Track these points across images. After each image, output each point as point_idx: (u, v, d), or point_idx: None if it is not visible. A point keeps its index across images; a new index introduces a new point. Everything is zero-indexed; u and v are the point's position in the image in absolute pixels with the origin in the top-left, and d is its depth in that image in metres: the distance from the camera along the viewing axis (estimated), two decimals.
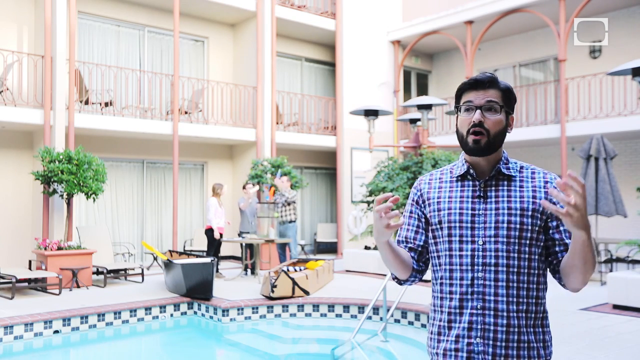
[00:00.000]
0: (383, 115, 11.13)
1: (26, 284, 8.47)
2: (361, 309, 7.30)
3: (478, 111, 1.85)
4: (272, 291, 7.50)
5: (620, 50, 12.29)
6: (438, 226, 1.93)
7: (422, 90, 16.53)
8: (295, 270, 8.60)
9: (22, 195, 10.82)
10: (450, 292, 1.88)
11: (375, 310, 7.14)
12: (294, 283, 7.63)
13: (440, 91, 16.30)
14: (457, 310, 1.86)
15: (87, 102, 10.92)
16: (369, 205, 11.36)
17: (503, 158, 1.91)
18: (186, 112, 12.09)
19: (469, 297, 1.83)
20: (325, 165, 15.46)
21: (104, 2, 11.86)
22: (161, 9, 12.51)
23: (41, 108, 10.07)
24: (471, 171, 1.91)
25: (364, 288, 8.56)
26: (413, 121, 11.43)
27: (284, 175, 11.15)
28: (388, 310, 6.76)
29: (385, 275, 9.29)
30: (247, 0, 12.83)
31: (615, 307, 7.23)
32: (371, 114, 10.34)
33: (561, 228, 1.85)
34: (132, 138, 11.95)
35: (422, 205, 2.01)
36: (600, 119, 11.70)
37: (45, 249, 8.80)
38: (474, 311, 1.83)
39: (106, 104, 11.06)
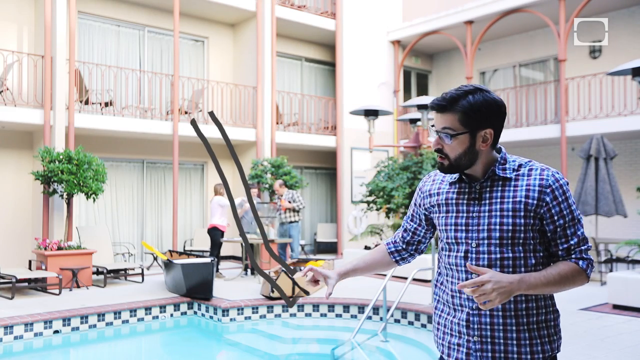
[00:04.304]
0: (383, 115, 11.13)
1: (26, 284, 8.46)
2: (361, 309, 7.30)
3: (437, 137, 1.90)
4: (272, 291, 7.50)
5: (620, 50, 12.29)
6: (440, 228, 2.00)
7: (422, 90, 16.53)
8: (296, 270, 8.60)
9: (22, 195, 10.82)
10: (451, 290, 1.94)
11: (375, 310, 7.14)
12: (294, 283, 7.62)
13: (440, 91, 16.29)
14: (459, 308, 1.92)
15: (87, 102, 10.92)
16: (369, 205, 11.35)
17: (499, 159, 1.91)
18: (186, 112, 12.09)
19: (465, 296, 1.88)
20: (325, 165, 15.46)
21: (104, 2, 11.86)
22: (161, 9, 12.51)
23: (41, 108, 10.07)
24: (463, 176, 1.94)
25: (364, 288, 8.55)
26: (413, 121, 11.43)
27: (278, 179, 11.15)
28: (388, 310, 6.76)
29: (385, 275, 9.29)
30: (247, 0, 12.83)
31: (615, 307, 7.23)
32: (371, 114, 10.34)
33: (559, 232, 1.87)
34: (132, 138, 11.95)
35: (424, 207, 2.08)
36: (600, 119, 11.69)
37: (45, 249, 8.80)
38: (471, 311, 1.88)
39: (106, 104, 11.06)
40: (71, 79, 10.38)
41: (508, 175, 1.88)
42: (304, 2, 14.27)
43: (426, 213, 2.08)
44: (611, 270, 9.35)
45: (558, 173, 1.87)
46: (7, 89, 9.98)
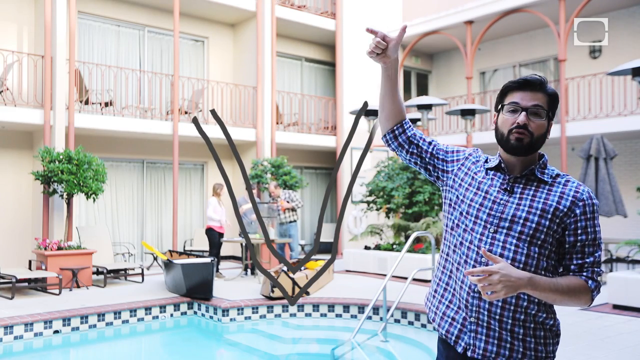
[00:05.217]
0: None
1: (26, 284, 8.46)
2: (361, 309, 7.30)
3: (524, 113, 1.86)
4: (272, 291, 7.50)
5: (620, 50, 12.30)
6: (462, 198, 1.99)
7: (422, 90, 16.53)
8: (296, 270, 8.60)
9: (22, 195, 10.82)
10: (458, 263, 1.95)
11: (375, 310, 7.14)
12: (294, 283, 7.62)
13: (440, 91, 16.30)
14: (460, 284, 1.93)
15: (87, 102, 10.92)
16: (369, 205, 11.35)
17: (540, 162, 1.94)
18: (186, 112, 12.10)
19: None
20: (325, 165, 15.46)
21: (104, 2, 11.86)
22: (161, 9, 12.51)
23: (41, 108, 10.07)
24: (502, 165, 1.95)
25: (364, 288, 8.55)
26: (413, 121, 11.43)
27: (272, 181, 11.17)
28: (388, 310, 6.76)
29: (385, 275, 9.29)
30: (247, 0, 12.83)
31: (615, 307, 7.23)
32: (371, 114, 10.34)
33: (578, 246, 1.87)
34: (132, 138, 11.95)
35: (458, 163, 2.07)
36: (600, 119, 11.69)
37: (45, 249, 8.80)
38: (471, 292, 1.89)
39: (106, 104, 11.06)
40: (71, 79, 10.38)
41: (545, 179, 1.91)
42: (304, 2, 14.27)
43: (451, 169, 2.07)
44: (611, 270, 9.35)
45: (592, 192, 1.93)
46: (7, 89, 9.98)
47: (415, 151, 2.14)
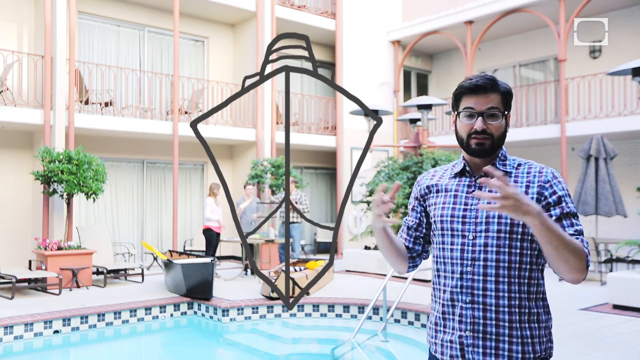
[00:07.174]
0: (383, 115, 11.14)
1: (26, 284, 8.47)
2: (361, 309, 7.30)
3: (480, 119, 1.86)
4: (272, 291, 7.50)
5: (620, 50, 12.29)
6: (434, 219, 1.99)
7: (422, 90, 16.53)
8: (295, 270, 8.61)
9: (22, 195, 10.82)
10: (444, 285, 1.93)
11: (375, 310, 7.14)
12: (294, 283, 7.62)
13: (440, 91, 16.30)
14: (450, 303, 1.90)
15: (87, 102, 10.92)
16: (368, 205, 11.35)
17: (500, 155, 1.94)
18: (186, 112, 12.09)
19: (459, 290, 1.88)
20: (325, 165, 15.46)
21: (104, 2, 11.86)
22: (161, 9, 12.51)
23: (41, 108, 10.07)
24: (467, 168, 1.95)
25: (364, 288, 8.56)
26: (413, 121, 11.44)
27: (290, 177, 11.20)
28: (388, 310, 6.76)
29: (385, 275, 9.29)
30: (247, 0, 12.83)
31: (615, 307, 7.23)
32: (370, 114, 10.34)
33: (554, 220, 1.83)
34: (132, 138, 11.95)
35: (423, 200, 2.07)
36: (600, 119, 11.69)
37: (45, 249, 8.80)
38: (463, 305, 1.86)
39: (106, 104, 11.06)
40: (71, 79, 10.38)
41: (508, 170, 1.90)
42: (304, 2, 14.27)
43: (425, 205, 2.07)
44: (611, 270, 9.35)
45: (557, 171, 1.90)
46: (7, 89, 9.98)
47: (423, 240, 2.11)
